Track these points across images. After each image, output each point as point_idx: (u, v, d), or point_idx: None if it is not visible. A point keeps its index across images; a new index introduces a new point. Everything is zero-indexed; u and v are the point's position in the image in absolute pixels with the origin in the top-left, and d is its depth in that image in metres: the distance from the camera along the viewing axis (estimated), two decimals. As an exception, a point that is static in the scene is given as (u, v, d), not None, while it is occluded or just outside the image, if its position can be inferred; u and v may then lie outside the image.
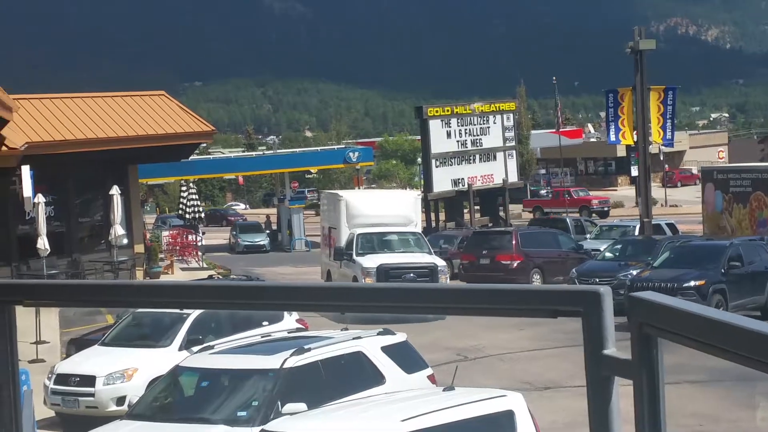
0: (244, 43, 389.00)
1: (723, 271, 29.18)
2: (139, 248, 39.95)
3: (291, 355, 14.72)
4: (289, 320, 21.57)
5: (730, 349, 1.82)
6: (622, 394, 2.08)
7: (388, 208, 35.64)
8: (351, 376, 15.23)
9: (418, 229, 36.21)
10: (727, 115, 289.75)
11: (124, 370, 19.63)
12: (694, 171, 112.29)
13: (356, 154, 74.23)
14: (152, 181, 77.86)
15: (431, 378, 16.34)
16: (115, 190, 35.21)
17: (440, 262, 32.59)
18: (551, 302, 2.28)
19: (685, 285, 27.77)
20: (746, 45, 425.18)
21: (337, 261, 34.04)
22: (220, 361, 15.41)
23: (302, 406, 13.58)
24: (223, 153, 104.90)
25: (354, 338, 15.99)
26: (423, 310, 2.58)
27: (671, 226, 49.02)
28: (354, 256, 32.68)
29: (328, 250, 36.48)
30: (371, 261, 31.92)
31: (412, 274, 30.93)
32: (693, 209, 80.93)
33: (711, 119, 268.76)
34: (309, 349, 15.01)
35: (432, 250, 34.06)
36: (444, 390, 12.62)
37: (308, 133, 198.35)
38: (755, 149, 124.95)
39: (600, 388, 2.14)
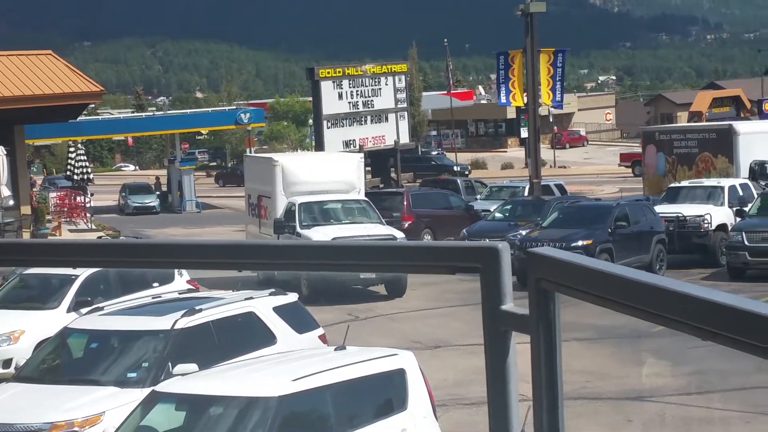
0: (135, 3, 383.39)
1: (610, 230, 29.65)
2: (26, 210, 39.29)
3: (182, 316, 14.63)
4: (180, 281, 21.43)
5: (625, 302, 1.84)
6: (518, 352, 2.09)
7: (330, 173, 32.18)
8: (242, 336, 15.19)
9: (362, 196, 32.68)
10: (614, 77, 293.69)
11: (10, 333, 19.35)
12: (582, 132, 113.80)
13: (248, 115, 73.80)
14: (39, 142, 76.65)
15: (322, 338, 16.37)
16: (0, 151, 34.50)
17: (399, 234, 28.99)
18: (450, 259, 2.28)
19: (573, 244, 28.14)
20: (633, 9, 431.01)
21: (276, 234, 29.33)
22: (109, 323, 15.26)
23: (193, 366, 13.52)
24: (112, 114, 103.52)
25: (245, 299, 15.94)
26: (320, 267, 2.57)
27: (560, 186, 49.62)
28: (298, 229, 29.00)
29: (257, 221, 33.13)
30: (320, 234, 27.78)
31: None
32: (581, 170, 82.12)
33: (599, 82, 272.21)
34: (200, 310, 14.93)
35: (383, 219, 30.63)
36: (335, 349, 12.65)
37: (199, 95, 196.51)
38: (642, 111, 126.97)
39: (498, 344, 2.15)
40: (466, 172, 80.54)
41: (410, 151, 71.62)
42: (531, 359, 2.02)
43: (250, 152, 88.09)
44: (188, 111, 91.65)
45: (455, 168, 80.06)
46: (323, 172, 32.13)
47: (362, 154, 35.59)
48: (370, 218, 29.93)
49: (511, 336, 2.15)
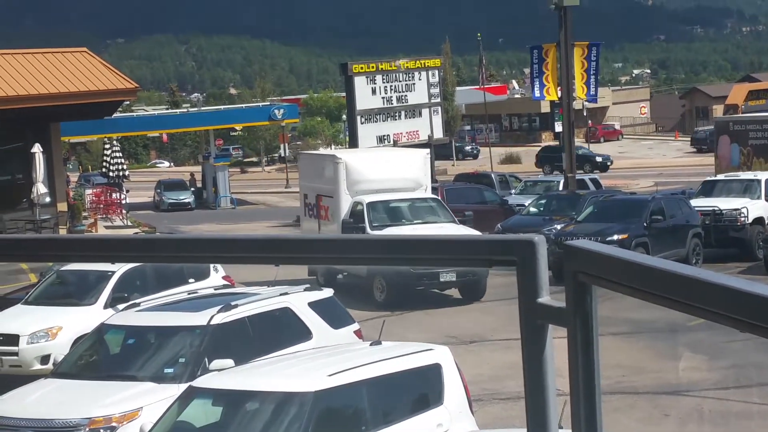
0: (167, 0, 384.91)
1: (645, 224, 29.53)
2: (63, 206, 39.54)
3: (218, 312, 14.70)
4: (216, 277, 21.52)
5: (664, 294, 1.83)
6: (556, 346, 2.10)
7: (396, 170, 30.11)
8: (278, 331, 15.24)
9: (429, 194, 31.08)
10: (649, 71, 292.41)
11: (48, 329, 19.46)
12: (617, 126, 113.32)
13: (281, 111, 73.91)
14: (75, 139, 77.03)
15: (358, 333, 16.40)
16: (36, 148, 34.76)
17: (476, 233, 27.12)
18: (486, 252, 2.28)
19: (609, 239, 28.07)
20: (668, 1, 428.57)
21: None
22: (146, 319, 15.34)
23: (229, 362, 13.57)
24: (147, 111, 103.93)
25: (281, 294, 15.99)
26: (356, 261, 2.57)
27: (595, 181, 49.46)
28: (368, 230, 27.32)
29: (316, 222, 31.00)
30: None
31: None
32: (616, 164, 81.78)
33: (633, 75, 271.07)
34: (236, 306, 14.99)
35: (456, 218, 29.13)
36: (371, 344, 12.66)
37: (233, 91, 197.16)
38: (677, 105, 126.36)
39: (535, 337, 2.16)
40: (608, 163, 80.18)
41: (552, 149, 70.14)
42: (568, 352, 2.03)
43: (284, 148, 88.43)
44: (222, 107, 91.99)
45: (597, 159, 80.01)
46: (389, 170, 30.17)
47: (428, 150, 33.70)
48: (442, 217, 28.54)
49: (548, 329, 2.16)
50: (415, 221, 28.19)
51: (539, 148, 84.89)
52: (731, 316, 1.71)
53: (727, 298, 1.70)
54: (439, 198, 30.83)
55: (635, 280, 1.91)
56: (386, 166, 30.40)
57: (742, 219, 32.31)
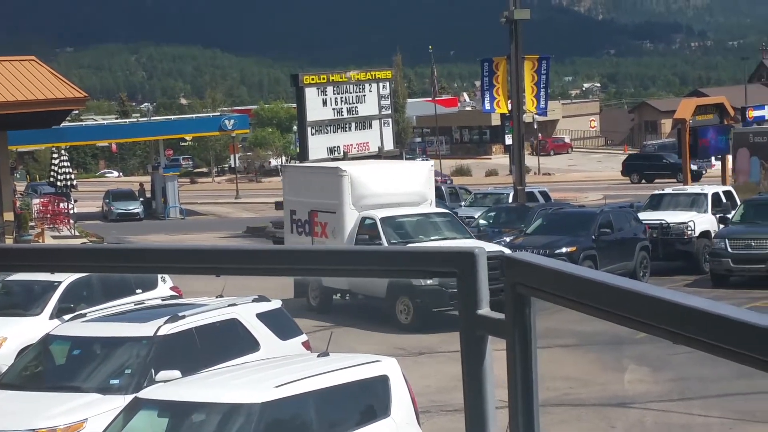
0: (118, 9, 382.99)
1: (594, 237, 29.70)
2: (9, 216, 39.16)
3: (165, 323, 14.62)
4: (164, 288, 21.40)
5: (599, 306, 1.84)
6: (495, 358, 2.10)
7: (402, 183, 28.54)
8: (226, 343, 15.18)
9: (434, 207, 29.70)
10: (599, 84, 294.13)
11: (-7, 340, 19.27)
12: (567, 140, 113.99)
13: (232, 121, 73.70)
14: (23, 148, 76.35)
15: (306, 344, 16.36)
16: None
17: (506, 250, 24.78)
18: (427, 263, 2.29)
19: (557, 251, 28.19)
20: (618, 16, 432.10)
21: None
22: (92, 329, 15.23)
23: (176, 373, 13.50)
24: (96, 120, 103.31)
25: (229, 305, 15.92)
26: (296, 272, 2.57)
27: (544, 193, 49.66)
28: None
29: (307, 240, 29.07)
30: None
31: None
32: (565, 177, 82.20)
33: (583, 89, 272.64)
34: (183, 317, 14.91)
35: (472, 234, 28.33)
36: (319, 356, 12.64)
37: (183, 101, 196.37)
38: (626, 118, 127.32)
39: (474, 348, 2.16)
40: (703, 172, 77.16)
41: (638, 156, 67.16)
42: (507, 364, 2.03)
43: (234, 159, 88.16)
44: (172, 117, 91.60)
45: (693, 167, 77.94)
46: (395, 183, 28.52)
47: (432, 162, 31.45)
48: (460, 233, 27.12)
49: (487, 340, 2.16)
50: (432, 237, 26.77)
51: (626, 156, 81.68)
52: (665, 328, 1.72)
53: (661, 310, 1.71)
54: (452, 213, 29.65)
55: (571, 291, 1.92)
56: (392, 179, 28.88)
57: (689, 232, 32.58)
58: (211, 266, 2.55)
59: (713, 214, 33.69)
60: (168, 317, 14.83)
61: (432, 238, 26.63)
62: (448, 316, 23.72)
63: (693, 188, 36.91)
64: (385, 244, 25.68)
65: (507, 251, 25.51)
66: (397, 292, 24.86)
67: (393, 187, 28.22)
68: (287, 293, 24.98)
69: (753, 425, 15.34)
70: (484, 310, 2.14)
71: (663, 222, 32.79)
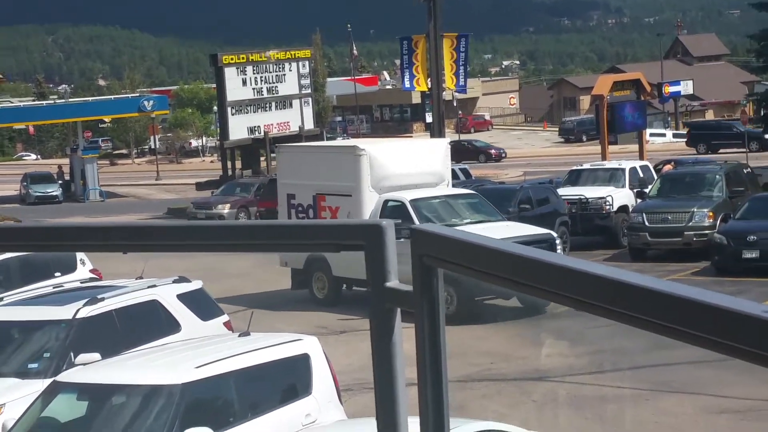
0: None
1: (514, 212, 29.88)
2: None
3: (84, 305, 14.49)
4: (83, 270, 21.20)
5: (503, 275, 1.85)
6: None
7: (419, 163, 26.62)
8: (146, 324, 15.09)
9: (458, 189, 28.32)
10: (518, 62, 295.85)
11: None
12: (487, 117, 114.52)
13: (151, 102, 73.08)
14: (-63, 130, 75.21)
15: (227, 325, 16.32)
16: None
17: (553, 233, 25.60)
18: (334, 236, 2.29)
19: (478, 228, 28.28)
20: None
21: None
22: (9, 313, 15.05)
23: (96, 356, 13.39)
24: (12, 102, 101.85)
25: (149, 287, 15.82)
26: (204, 247, 2.55)
27: (464, 171, 49.89)
28: None
29: None
30: None
31: None
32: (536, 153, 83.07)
33: (503, 67, 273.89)
34: (102, 299, 14.79)
35: (502, 215, 26.70)
36: (240, 335, 12.61)
37: (102, 82, 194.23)
38: (545, 95, 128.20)
39: (383, 321, 2.17)
40: (503, 155, 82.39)
41: (703, 125, 66.35)
42: (415, 335, 2.04)
43: (154, 140, 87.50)
44: (90, 99, 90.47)
45: (491, 151, 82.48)
46: (413, 163, 26.53)
47: (449, 140, 29.61)
48: (492, 215, 25.68)
49: (396, 313, 2.16)
50: (465, 220, 24.80)
51: (690, 125, 76.95)
52: (566, 295, 1.74)
53: (561, 277, 1.72)
54: (479, 194, 27.73)
55: (476, 261, 1.93)
56: (411, 158, 26.75)
57: (607, 207, 32.93)
58: (103, 243, 2.53)
59: (631, 188, 34.08)
60: (87, 300, 14.71)
61: (465, 221, 24.67)
62: (484, 307, 22.73)
63: (611, 163, 37.29)
64: None
65: (555, 234, 24.91)
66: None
67: (412, 167, 26.30)
68: (210, 276, 24.78)
69: (669, 395, 15.58)
70: (393, 282, 2.15)
71: (582, 197, 33.10)
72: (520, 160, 76.04)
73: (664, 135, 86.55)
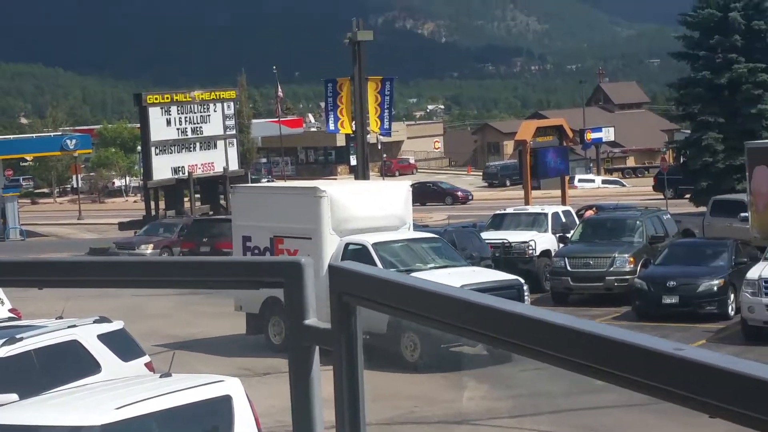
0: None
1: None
2: None
3: (2, 345, 14.28)
4: (1, 310, 20.91)
5: (419, 312, 1.87)
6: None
7: (382, 206, 25.94)
8: (66, 365, 14.89)
9: (419, 232, 27.82)
10: (442, 106, 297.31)
11: None
12: (412, 160, 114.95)
13: (74, 141, 72.44)
14: None
15: (149, 365, 16.15)
16: None
17: (520, 279, 24.73)
18: (254, 274, 2.30)
19: (402, 271, 28.34)
20: (461, 39, 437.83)
21: None
22: (-75, 353, 14.78)
23: (14, 396, 13.20)
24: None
25: (69, 326, 15.63)
26: (123, 283, 2.55)
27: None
28: None
29: None
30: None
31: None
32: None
33: (428, 111, 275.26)
34: (21, 339, 14.59)
35: (465, 260, 26.52)
36: (161, 377, 12.49)
37: (24, 120, 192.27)
38: (469, 140, 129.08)
39: (301, 358, 2.17)
40: (470, 197, 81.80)
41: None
42: (334, 372, 2.04)
43: (77, 179, 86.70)
44: (12, 137, 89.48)
45: (458, 193, 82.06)
46: (375, 205, 25.78)
47: (410, 183, 29.51)
48: (456, 260, 25.32)
49: (315, 351, 2.17)
50: (429, 265, 24.12)
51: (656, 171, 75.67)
52: (482, 333, 1.76)
53: (476, 314, 1.75)
54: (441, 237, 27.47)
55: (394, 299, 1.94)
56: (372, 200, 26.04)
57: (530, 251, 33.16)
58: (23, 279, 2.52)
59: (553, 233, 34.37)
60: (5, 339, 14.50)
61: (429, 265, 24.08)
62: (450, 355, 22.00)
63: (534, 208, 37.62)
64: None
65: (522, 280, 23.96)
66: (401, 328, 21.49)
67: (374, 209, 25.55)
68: (131, 316, 24.51)
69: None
70: (312, 320, 2.16)
71: (505, 241, 33.31)
72: (444, 204, 76.36)
73: (593, 181, 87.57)
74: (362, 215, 25.02)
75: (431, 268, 23.49)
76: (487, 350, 21.20)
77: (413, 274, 18.83)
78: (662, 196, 56.12)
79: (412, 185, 29.32)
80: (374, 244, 24.03)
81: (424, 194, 73.03)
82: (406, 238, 25.43)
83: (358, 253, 23.60)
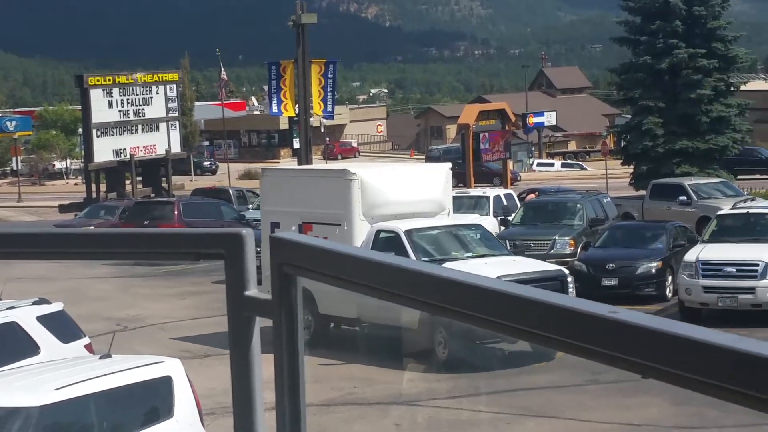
0: None
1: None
2: None
3: (-62, 327, 14.15)
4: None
5: (360, 281, 1.88)
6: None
7: (419, 190, 24.03)
8: (4, 346, 14.77)
9: (458, 218, 25.63)
10: (386, 90, 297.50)
11: None
12: (354, 144, 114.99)
13: (14, 123, 71.97)
14: None
15: (88, 347, 16.07)
16: None
17: (565, 269, 22.96)
18: (194, 245, 2.29)
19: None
20: (404, 23, 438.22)
21: None
22: None
23: (-49, 378, 13.07)
24: None
25: (7, 308, 15.51)
26: (60, 255, 2.53)
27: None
28: None
29: None
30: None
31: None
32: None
33: (371, 94, 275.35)
34: (-41, 321, 14.47)
35: (507, 247, 25.01)
36: (101, 358, 12.44)
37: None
38: (412, 124, 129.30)
39: (241, 330, 2.17)
40: (518, 178, 74.59)
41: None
42: (273, 343, 2.05)
43: (17, 161, 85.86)
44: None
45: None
46: (411, 190, 23.87)
47: (450, 165, 27.06)
48: (496, 249, 23.53)
49: (255, 322, 2.17)
50: (467, 254, 22.50)
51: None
52: (424, 301, 1.76)
53: (418, 282, 1.75)
54: (482, 225, 25.33)
55: (334, 269, 1.95)
56: (408, 184, 23.99)
57: (472, 234, 33.23)
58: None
59: (495, 216, 34.51)
60: (-58, 322, 14.37)
61: (467, 254, 22.46)
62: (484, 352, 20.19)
63: (475, 191, 37.75)
64: None
65: (566, 270, 22.21)
66: (434, 322, 19.50)
67: (409, 194, 23.64)
68: (71, 298, 24.32)
69: (529, 419, 15.80)
70: (252, 291, 2.16)
71: (447, 224, 33.36)
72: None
73: (552, 165, 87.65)
74: (396, 200, 23.25)
75: (468, 257, 22.01)
76: (531, 346, 16.97)
77: (447, 264, 18.50)
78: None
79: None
80: (407, 231, 22.23)
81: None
82: (443, 224, 23.54)
83: (391, 241, 22.07)
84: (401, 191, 23.51)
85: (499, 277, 17.41)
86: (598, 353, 1.44)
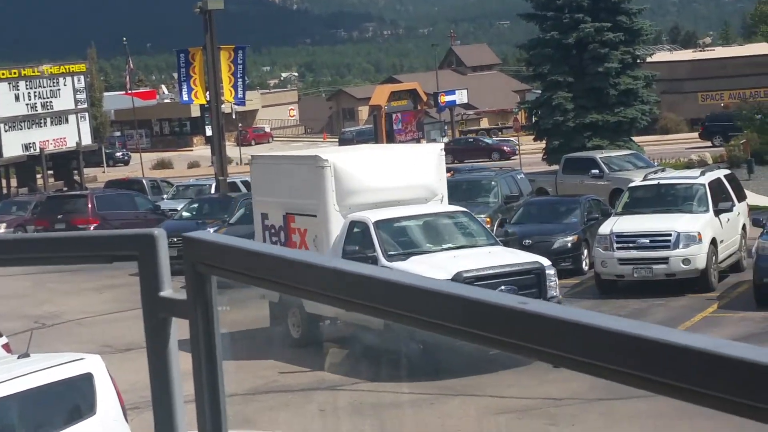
0: None
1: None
2: None
3: None
4: None
5: (273, 279, 1.89)
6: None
7: (403, 175, 21.43)
8: None
9: (447, 204, 22.08)
10: (296, 74, 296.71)
11: None
12: (267, 129, 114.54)
13: None
14: None
15: (6, 347, 15.86)
16: None
17: (545, 261, 19.84)
18: (107, 248, 2.29)
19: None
20: (311, 6, 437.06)
21: None
22: None
23: None
24: None
25: None
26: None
27: (246, 183, 49.77)
28: (383, 261, 19.12)
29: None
30: (425, 267, 18.18)
31: (510, 286, 18.08)
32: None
33: (282, 78, 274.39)
34: None
35: (497, 239, 22.35)
36: (19, 357, 12.29)
37: None
38: (324, 107, 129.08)
39: (157, 331, 2.17)
40: (516, 150, 73.17)
41: (716, 117, 66.33)
42: (191, 344, 2.05)
43: None
44: None
45: (505, 148, 76.29)
46: (394, 175, 21.31)
47: (442, 145, 24.65)
48: (481, 238, 21.01)
49: (171, 323, 2.17)
50: (445, 245, 20.23)
51: (703, 119, 73.10)
52: (334, 296, 1.78)
53: (329, 278, 1.77)
54: (468, 211, 22.38)
55: (246, 267, 1.96)
56: (390, 168, 21.48)
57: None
58: None
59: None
60: None
61: (446, 246, 20.21)
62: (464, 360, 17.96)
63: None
64: (381, 258, 19.23)
65: (547, 262, 19.73)
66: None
67: (392, 179, 21.22)
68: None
69: (453, 398, 15.91)
70: (167, 291, 2.16)
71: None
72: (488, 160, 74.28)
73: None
74: (376, 186, 20.91)
75: (443, 249, 20.02)
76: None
77: (414, 258, 18.61)
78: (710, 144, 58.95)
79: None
80: (375, 222, 20.02)
81: (464, 152, 72.38)
82: (421, 213, 21.11)
83: (362, 233, 20.17)
84: (382, 177, 21.15)
85: (459, 272, 17.92)
86: (509, 344, 1.46)
